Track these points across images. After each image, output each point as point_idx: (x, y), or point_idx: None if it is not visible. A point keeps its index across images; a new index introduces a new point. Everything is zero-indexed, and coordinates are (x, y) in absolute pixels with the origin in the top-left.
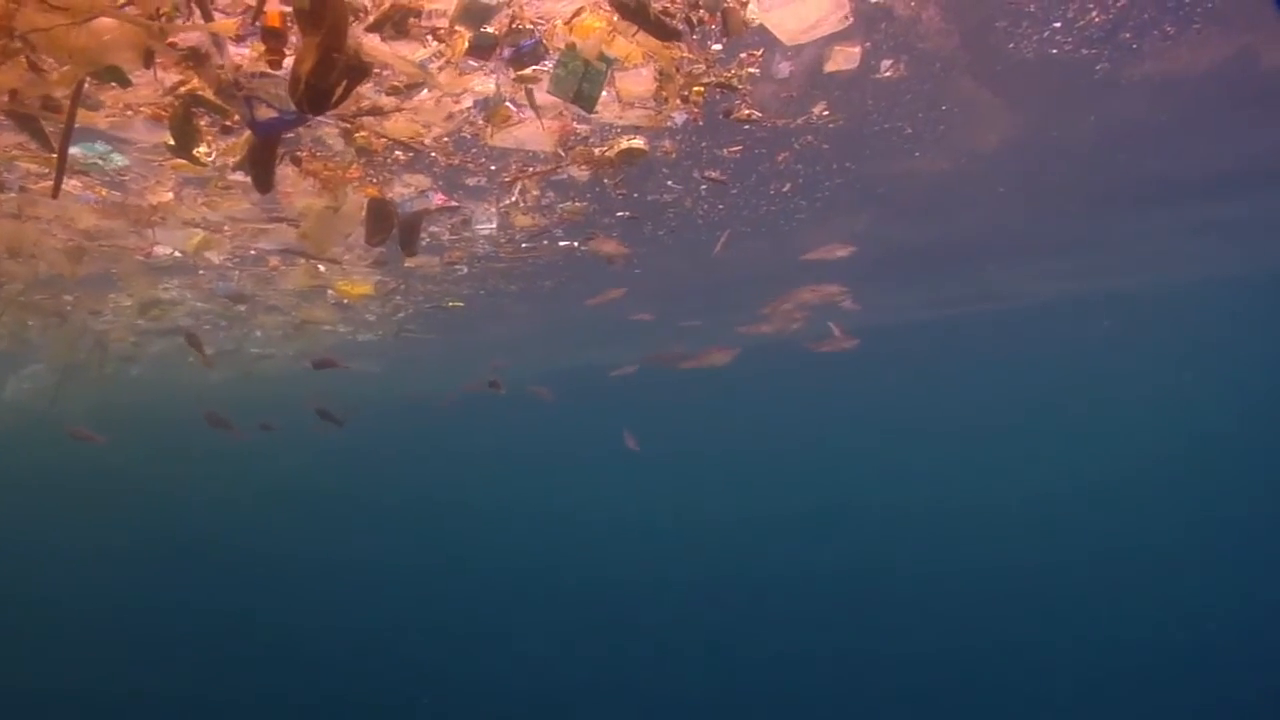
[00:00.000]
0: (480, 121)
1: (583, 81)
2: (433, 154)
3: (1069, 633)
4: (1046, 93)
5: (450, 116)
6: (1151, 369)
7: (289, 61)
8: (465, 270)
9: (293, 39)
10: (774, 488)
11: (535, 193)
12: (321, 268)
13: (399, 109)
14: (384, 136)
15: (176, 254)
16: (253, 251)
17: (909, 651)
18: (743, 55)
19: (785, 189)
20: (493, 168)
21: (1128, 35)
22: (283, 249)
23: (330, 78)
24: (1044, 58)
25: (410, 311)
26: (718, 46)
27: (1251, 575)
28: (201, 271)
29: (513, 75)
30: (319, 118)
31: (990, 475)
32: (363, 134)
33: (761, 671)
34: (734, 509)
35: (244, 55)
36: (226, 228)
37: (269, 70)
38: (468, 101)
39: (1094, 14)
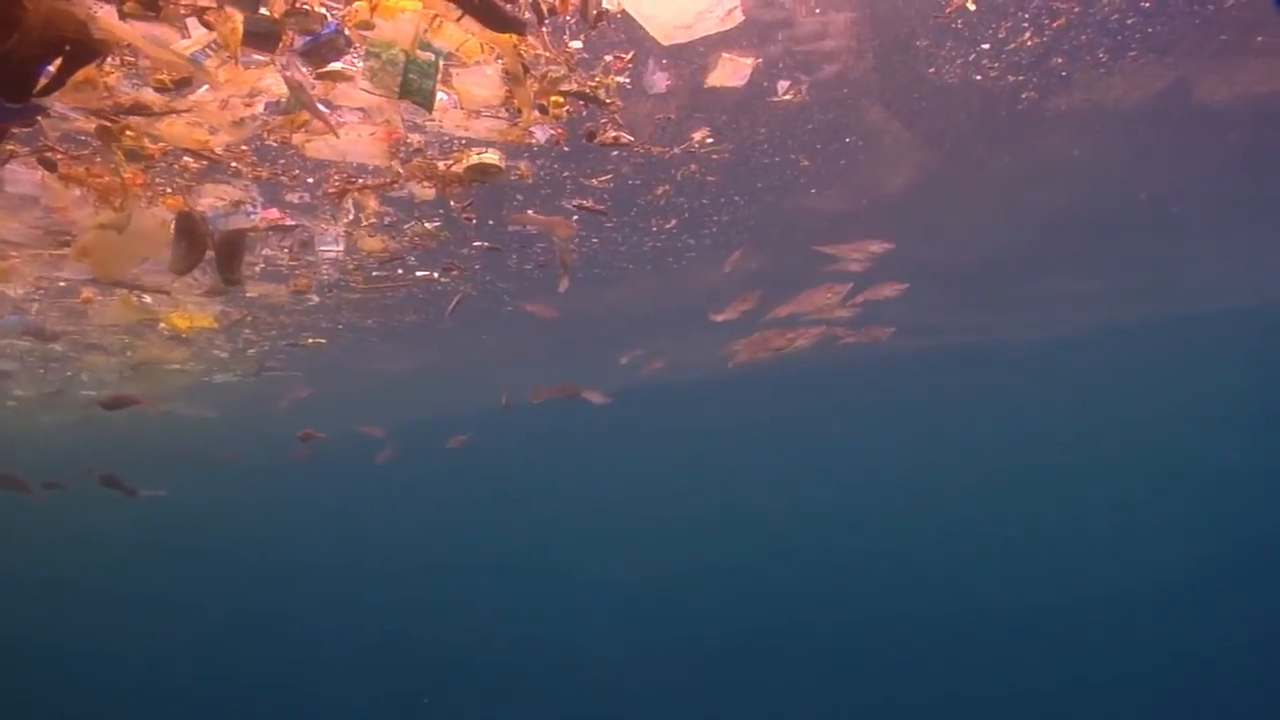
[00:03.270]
0: (286, 129)
1: (409, 72)
2: (234, 164)
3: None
4: (964, 125)
5: (240, 122)
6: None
7: None
8: (316, 300)
9: None
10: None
11: (373, 205)
12: (147, 298)
13: (172, 110)
14: (160, 141)
15: None
16: (62, 282)
17: None
18: (609, 58)
19: (670, 225)
20: (310, 180)
21: (1060, 60)
22: (90, 277)
23: (6, 49)
24: (967, 84)
25: (267, 348)
26: (578, 44)
27: None
28: None
29: (312, 74)
30: (65, 109)
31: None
32: (130, 135)
33: None
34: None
35: None
36: (14, 254)
37: None
38: (262, 105)
39: (1028, 35)
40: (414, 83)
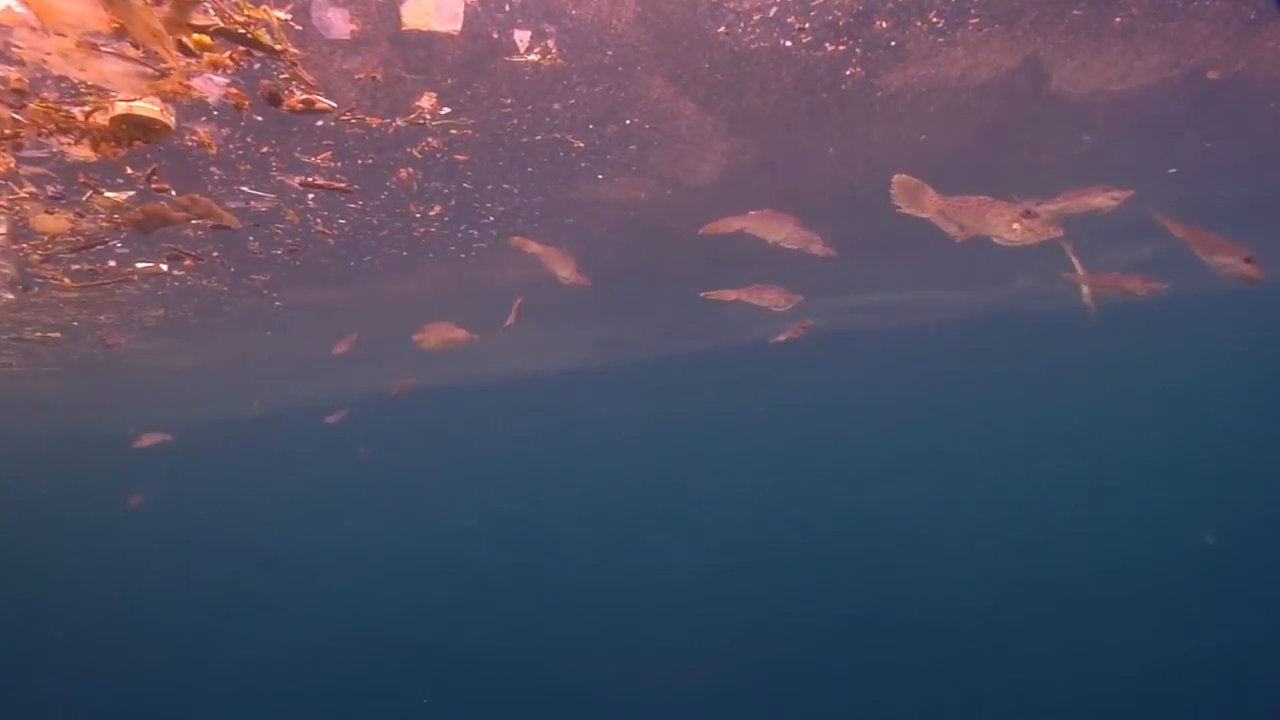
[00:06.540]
0: None
1: None
2: None
3: None
4: (779, 107)
5: None
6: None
7: None
8: (11, 297)
9: None
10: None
11: (6, 165)
12: None
13: None
14: None
15: None
16: None
17: None
18: None
19: (434, 211)
20: None
21: (884, 24)
22: None
23: None
24: (775, 52)
25: None
26: None
27: None
28: None
29: None
30: None
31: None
32: None
33: None
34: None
35: None
36: None
37: None
38: None
39: None
40: None
